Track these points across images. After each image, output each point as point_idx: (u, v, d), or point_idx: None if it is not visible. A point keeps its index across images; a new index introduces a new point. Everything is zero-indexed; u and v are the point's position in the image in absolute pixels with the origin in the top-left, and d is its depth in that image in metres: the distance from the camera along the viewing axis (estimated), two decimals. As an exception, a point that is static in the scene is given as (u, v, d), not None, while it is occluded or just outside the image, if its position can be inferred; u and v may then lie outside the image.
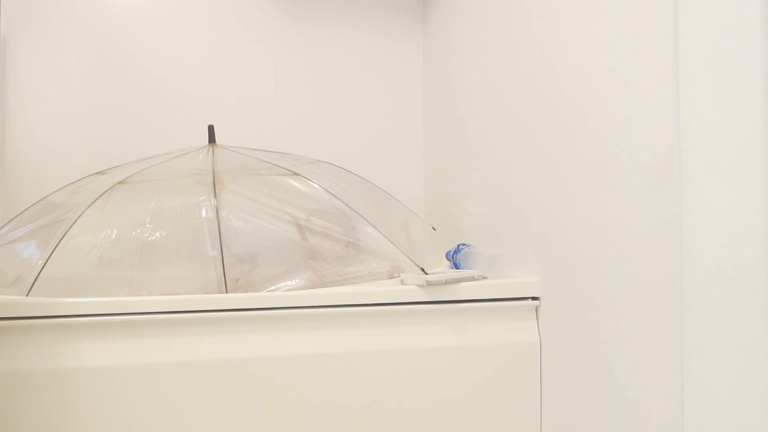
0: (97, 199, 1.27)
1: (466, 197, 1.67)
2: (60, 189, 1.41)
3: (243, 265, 1.29)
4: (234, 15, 1.91)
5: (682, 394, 0.89)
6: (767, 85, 0.77)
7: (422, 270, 1.26)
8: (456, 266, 1.40)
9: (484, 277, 1.30)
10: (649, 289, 0.94)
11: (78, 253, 1.22)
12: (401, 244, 1.31)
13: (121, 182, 1.32)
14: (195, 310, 1.14)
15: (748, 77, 0.79)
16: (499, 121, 1.46)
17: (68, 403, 1.09)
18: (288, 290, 1.23)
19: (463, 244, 1.42)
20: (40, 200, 1.39)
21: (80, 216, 1.24)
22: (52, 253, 1.19)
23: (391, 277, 1.30)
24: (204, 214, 1.29)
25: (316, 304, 1.19)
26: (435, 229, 1.71)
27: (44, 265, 1.17)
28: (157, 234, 1.27)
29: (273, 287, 1.24)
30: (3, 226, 1.33)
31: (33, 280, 1.15)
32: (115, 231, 1.26)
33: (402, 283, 1.26)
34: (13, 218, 1.35)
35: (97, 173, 1.45)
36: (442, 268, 1.42)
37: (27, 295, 1.13)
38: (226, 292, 1.23)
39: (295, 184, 1.37)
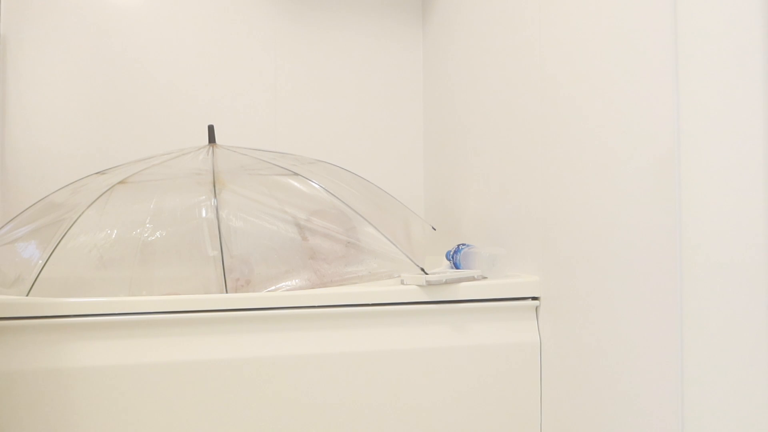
0: (97, 199, 1.27)
1: (466, 197, 1.67)
2: (60, 189, 1.41)
3: (243, 265, 1.29)
4: (235, 15, 1.91)
5: (682, 393, 0.89)
6: (767, 85, 0.77)
7: (422, 270, 1.26)
8: (456, 266, 1.40)
9: (484, 277, 1.30)
10: (649, 289, 0.94)
11: (78, 253, 1.22)
12: (401, 244, 1.31)
13: (121, 182, 1.32)
14: (195, 310, 1.14)
15: (748, 77, 0.79)
16: (499, 121, 1.45)
17: (68, 403, 1.08)
18: (288, 290, 1.23)
19: (463, 244, 1.42)
20: (40, 200, 1.39)
21: (80, 216, 1.24)
22: (52, 253, 1.19)
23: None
24: (204, 214, 1.29)
25: (316, 304, 1.19)
26: (435, 229, 1.71)
27: (44, 265, 1.17)
28: (157, 234, 1.27)
29: (273, 287, 1.24)
30: (3, 226, 1.33)
31: (33, 280, 1.15)
32: (115, 231, 1.26)
33: (402, 283, 1.26)
34: (13, 218, 1.35)
35: (97, 173, 1.45)
36: (442, 268, 1.42)
37: (27, 295, 1.13)
38: (226, 292, 1.23)
39: (295, 184, 1.37)
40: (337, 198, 1.34)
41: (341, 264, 1.31)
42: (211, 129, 1.48)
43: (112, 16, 1.82)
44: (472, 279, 1.27)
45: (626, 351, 1.00)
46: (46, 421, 1.08)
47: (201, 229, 1.28)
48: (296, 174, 1.38)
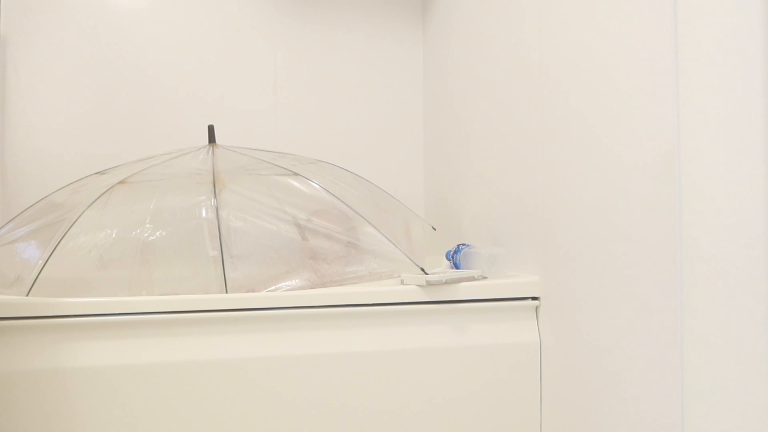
0: (97, 199, 1.27)
1: (466, 197, 1.67)
2: (60, 189, 1.41)
3: (242, 265, 1.29)
4: (234, 15, 1.91)
5: (682, 393, 0.89)
6: (767, 84, 0.77)
7: (422, 270, 1.26)
8: (456, 266, 1.40)
9: (484, 277, 1.30)
10: (649, 288, 0.94)
11: (78, 253, 1.22)
12: (401, 244, 1.31)
13: (121, 182, 1.32)
14: (195, 310, 1.14)
15: (748, 76, 0.79)
16: (499, 121, 1.45)
17: (68, 403, 1.08)
18: (288, 290, 1.23)
19: (463, 244, 1.42)
20: (40, 200, 1.39)
21: (80, 216, 1.24)
22: (52, 253, 1.19)
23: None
24: (204, 214, 1.29)
25: (316, 304, 1.19)
26: (435, 229, 1.71)
27: (44, 265, 1.17)
28: (157, 234, 1.27)
29: (273, 287, 1.24)
30: (3, 226, 1.33)
31: (33, 280, 1.15)
32: (115, 231, 1.26)
33: (402, 283, 1.26)
34: (13, 218, 1.35)
35: (97, 173, 1.45)
36: (442, 268, 1.42)
37: (27, 295, 1.13)
38: (226, 292, 1.23)
39: (295, 184, 1.37)
40: (337, 198, 1.34)
41: (341, 264, 1.31)
42: (211, 129, 1.48)
43: (112, 17, 1.82)
44: (472, 279, 1.27)
45: (626, 351, 1.00)
46: (46, 421, 1.08)
47: (201, 229, 1.28)
48: (296, 174, 1.38)
